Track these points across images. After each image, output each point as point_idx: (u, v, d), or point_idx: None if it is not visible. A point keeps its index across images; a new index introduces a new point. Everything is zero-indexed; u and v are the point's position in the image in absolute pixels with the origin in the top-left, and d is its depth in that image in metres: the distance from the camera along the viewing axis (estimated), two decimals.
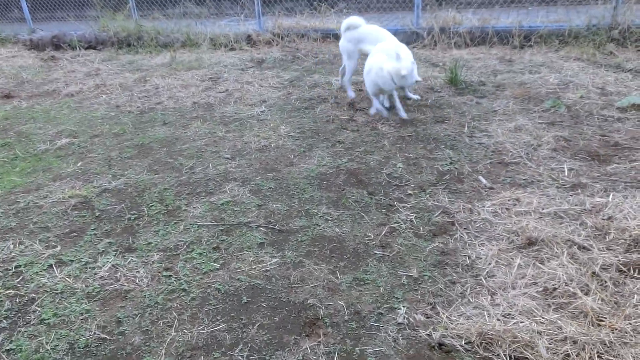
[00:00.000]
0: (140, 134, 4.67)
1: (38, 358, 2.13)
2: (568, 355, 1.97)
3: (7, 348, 2.19)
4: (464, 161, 3.68)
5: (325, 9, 8.43)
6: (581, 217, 2.84)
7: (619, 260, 2.45)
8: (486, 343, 2.07)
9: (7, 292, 2.56)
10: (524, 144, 3.86)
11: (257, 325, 2.26)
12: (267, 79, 6.14)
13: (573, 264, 2.47)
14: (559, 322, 2.13)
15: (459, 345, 2.08)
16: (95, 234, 3.05)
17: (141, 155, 4.18)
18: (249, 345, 2.15)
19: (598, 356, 1.95)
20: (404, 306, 2.31)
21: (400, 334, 2.16)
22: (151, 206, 3.33)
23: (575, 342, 2.02)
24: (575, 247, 2.60)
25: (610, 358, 1.94)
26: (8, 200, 3.52)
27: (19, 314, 2.41)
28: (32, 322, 2.34)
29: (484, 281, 2.44)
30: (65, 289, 2.56)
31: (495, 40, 6.92)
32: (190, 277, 2.60)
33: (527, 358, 1.98)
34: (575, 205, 2.97)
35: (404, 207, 3.15)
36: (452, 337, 2.12)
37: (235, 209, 3.23)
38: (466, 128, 4.25)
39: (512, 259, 2.57)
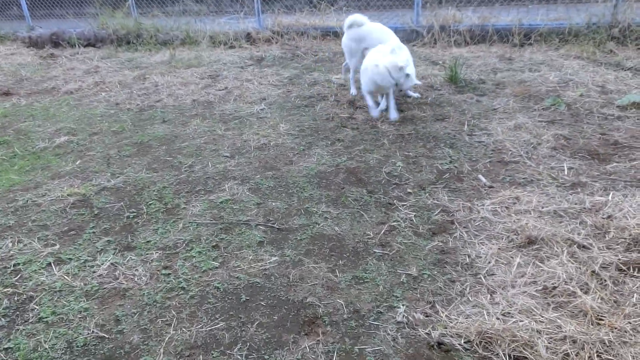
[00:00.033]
0: (139, 131, 4.66)
1: (36, 357, 2.13)
2: (567, 354, 1.96)
3: (6, 347, 2.19)
4: (464, 160, 3.67)
5: (325, 6, 8.41)
6: (581, 216, 2.84)
7: (619, 259, 2.45)
8: (485, 342, 2.06)
9: (6, 290, 2.55)
10: (524, 142, 3.86)
11: (256, 324, 2.26)
12: (266, 77, 6.13)
13: (573, 263, 2.46)
14: (559, 321, 2.12)
15: (458, 344, 2.08)
16: (94, 232, 3.04)
17: (140, 153, 4.17)
18: (248, 344, 2.15)
19: (597, 355, 1.95)
20: (403, 305, 2.31)
21: (399, 333, 2.16)
22: (150, 204, 3.32)
23: (574, 341, 2.01)
24: (575, 246, 2.59)
25: (610, 357, 1.94)
26: (7, 198, 3.51)
27: (17, 312, 2.40)
28: (30, 321, 2.34)
29: (484, 280, 2.44)
30: (63, 287, 2.55)
31: (495, 39, 6.91)
32: (189, 276, 2.59)
33: (526, 357, 1.98)
34: (575, 204, 2.97)
35: (403, 205, 3.14)
36: (451, 336, 2.11)
37: (235, 208, 3.22)
38: (466, 126, 4.24)
39: (512, 257, 2.57)
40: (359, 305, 2.33)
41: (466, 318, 2.20)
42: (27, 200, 3.45)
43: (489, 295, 2.33)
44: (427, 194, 3.25)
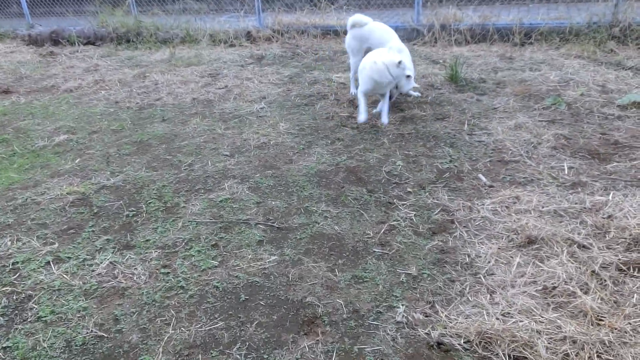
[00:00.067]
0: (139, 130, 4.65)
1: (35, 356, 2.12)
2: (567, 354, 1.96)
3: (4, 345, 2.18)
4: (464, 159, 3.67)
5: (325, 5, 8.40)
6: (581, 216, 2.83)
7: (619, 259, 2.44)
8: (485, 342, 2.06)
9: (4, 289, 2.55)
10: (524, 142, 3.85)
11: (255, 323, 2.25)
12: (266, 76, 6.12)
13: (573, 263, 2.46)
14: (559, 321, 2.12)
15: (458, 344, 2.07)
16: (93, 231, 3.03)
17: (140, 151, 4.16)
18: (247, 343, 2.14)
19: (597, 356, 1.94)
20: (402, 305, 2.30)
21: (399, 333, 2.15)
22: (149, 203, 3.31)
23: (574, 342, 2.01)
24: (575, 245, 2.59)
25: (610, 358, 1.93)
26: (6, 196, 3.50)
27: (16, 311, 2.39)
28: (29, 320, 2.33)
29: (483, 280, 2.43)
30: (62, 286, 2.55)
31: (495, 38, 6.90)
32: (189, 275, 2.59)
33: (526, 357, 1.97)
34: (575, 203, 2.96)
35: (403, 205, 3.14)
36: (451, 336, 2.11)
37: (234, 206, 3.22)
38: (466, 126, 4.24)
39: (512, 257, 2.56)
40: (358, 305, 2.32)
41: (466, 318, 2.19)
42: (27, 199, 3.44)
43: (489, 295, 2.32)
44: (427, 193, 3.24)
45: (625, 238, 2.59)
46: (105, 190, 3.53)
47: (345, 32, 7.58)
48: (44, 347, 2.16)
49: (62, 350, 2.15)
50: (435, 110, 4.64)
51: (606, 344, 1.98)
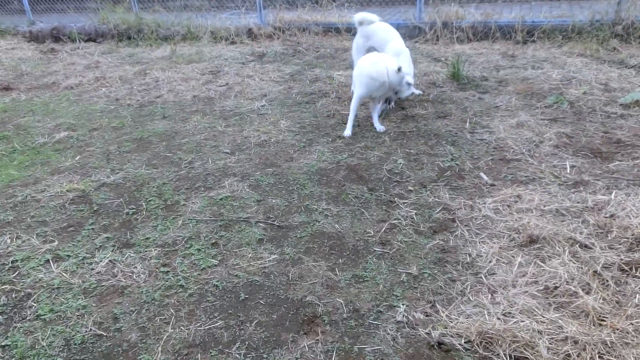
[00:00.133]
0: (139, 127, 4.64)
1: (34, 354, 2.12)
2: (569, 355, 1.95)
3: (3, 344, 2.17)
4: (465, 157, 3.65)
5: (327, 2, 8.37)
6: (583, 215, 2.81)
7: (621, 259, 2.43)
8: (486, 342, 2.05)
9: (3, 287, 2.54)
10: (526, 140, 3.83)
11: (254, 322, 2.24)
12: (267, 73, 6.10)
13: (574, 263, 2.44)
14: (560, 321, 2.10)
15: (459, 344, 2.06)
16: (92, 229, 3.02)
17: (140, 149, 4.15)
18: (247, 343, 2.13)
19: (599, 357, 1.93)
20: (403, 304, 2.29)
21: (399, 333, 2.14)
22: (150, 201, 3.30)
23: (576, 342, 1.99)
24: (577, 245, 2.57)
25: (612, 359, 1.92)
26: (6, 193, 3.49)
27: (15, 310, 2.39)
28: (28, 318, 2.32)
29: (484, 279, 2.42)
30: (61, 284, 2.54)
31: (498, 35, 6.87)
32: (188, 273, 2.58)
33: (527, 358, 1.96)
34: (577, 202, 2.94)
35: (404, 203, 3.12)
36: (451, 336, 2.10)
37: (234, 205, 3.20)
38: (468, 124, 4.22)
39: (513, 257, 2.55)
40: (358, 305, 2.31)
41: (467, 318, 2.18)
42: (26, 196, 3.43)
43: (490, 295, 2.31)
44: (428, 192, 3.23)
45: (627, 238, 2.57)
46: (105, 187, 3.52)
47: (346, 30, 7.61)
48: (43, 346, 2.15)
49: (61, 349, 2.14)
50: (437, 108, 4.62)
51: (608, 344, 1.97)
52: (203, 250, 2.76)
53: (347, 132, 4.16)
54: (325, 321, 2.22)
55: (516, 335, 2.04)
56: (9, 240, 2.93)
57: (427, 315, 2.23)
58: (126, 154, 4.05)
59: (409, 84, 4.12)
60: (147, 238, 2.90)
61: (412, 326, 2.17)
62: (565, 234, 2.65)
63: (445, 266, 2.54)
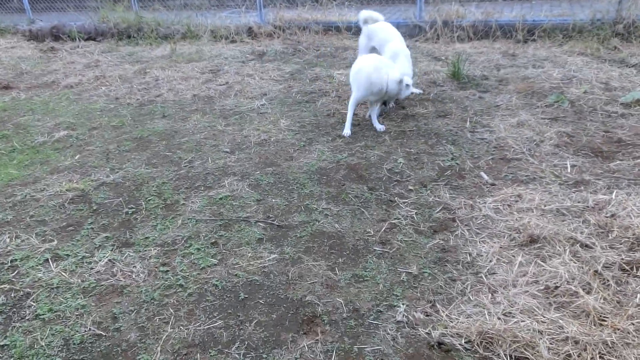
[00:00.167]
0: (139, 126, 4.63)
1: (32, 354, 2.11)
2: (569, 355, 1.94)
3: (2, 344, 2.17)
4: (466, 157, 3.64)
5: (327, 1, 8.36)
6: (584, 215, 2.81)
7: (622, 259, 2.42)
8: (486, 342, 2.04)
9: (2, 286, 2.53)
10: (527, 139, 3.82)
11: (254, 322, 2.24)
12: (267, 72, 6.09)
13: (575, 262, 2.43)
14: (561, 321, 2.09)
15: (459, 344, 2.05)
16: (92, 228, 3.02)
17: (140, 148, 4.14)
18: (246, 342, 2.12)
19: (600, 357, 1.92)
20: (403, 304, 2.28)
21: (399, 333, 2.13)
22: (149, 200, 3.29)
23: (576, 342, 1.99)
24: (578, 245, 2.56)
25: (613, 359, 1.91)
26: (5, 193, 3.49)
27: (14, 309, 2.38)
28: (27, 318, 2.32)
29: (485, 279, 2.41)
30: (60, 283, 2.53)
31: (498, 34, 6.86)
32: (188, 273, 2.57)
33: (527, 358, 1.95)
34: (578, 202, 2.93)
35: (404, 202, 3.11)
36: (451, 336, 2.09)
37: (234, 204, 3.20)
38: (468, 123, 4.21)
39: (514, 256, 2.54)
40: (358, 304, 2.30)
41: (467, 318, 2.17)
42: (26, 195, 3.42)
43: (490, 295, 2.30)
44: (429, 191, 3.22)
45: (628, 237, 2.56)
46: (104, 187, 3.51)
47: (347, 29, 7.60)
48: (42, 346, 2.15)
49: (59, 349, 2.13)
50: (437, 108, 4.61)
51: (609, 344, 1.96)
52: (202, 249, 2.75)
53: (346, 131, 4.15)
54: (325, 321, 2.22)
55: (516, 335, 2.03)
56: (8, 240, 2.92)
57: (427, 315, 2.22)
58: (126, 153, 4.04)
59: (407, 85, 4.10)
60: (146, 237, 2.89)
61: (412, 326, 2.17)
62: (565, 233, 2.64)
63: (446, 266, 2.53)
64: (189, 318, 2.28)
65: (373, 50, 4.96)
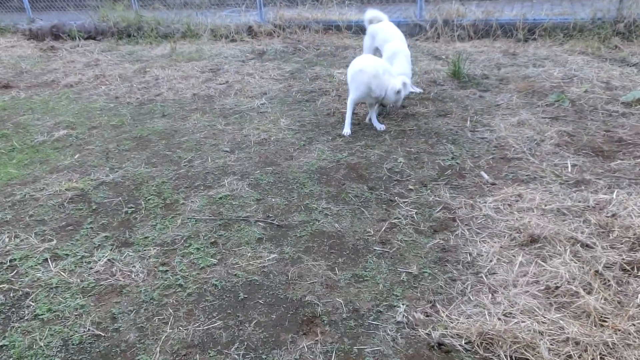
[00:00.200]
0: (138, 126, 4.62)
1: (31, 354, 2.10)
2: (570, 356, 1.93)
3: (0, 344, 2.16)
4: (466, 156, 3.63)
5: (327, 0, 8.33)
6: (584, 214, 2.80)
7: (623, 259, 2.41)
8: (486, 343, 2.03)
9: (1, 286, 2.53)
10: (527, 139, 3.81)
11: (253, 322, 2.23)
12: (267, 71, 6.08)
13: (576, 262, 2.42)
14: (561, 322, 2.09)
15: (459, 345, 2.04)
16: (91, 228, 3.01)
17: (139, 147, 4.13)
18: (245, 343, 2.12)
19: (601, 358, 1.91)
20: (403, 304, 2.28)
21: (399, 333, 2.13)
22: (149, 200, 3.29)
23: (577, 343, 1.98)
24: (578, 245, 2.55)
25: None
26: (4, 192, 3.48)
27: (13, 309, 2.37)
28: (26, 318, 2.31)
29: (485, 279, 2.40)
30: (60, 283, 2.53)
31: (499, 33, 6.84)
32: (187, 273, 2.56)
33: (528, 359, 1.94)
34: (579, 202, 2.92)
35: (404, 202, 3.10)
36: (451, 337, 2.08)
37: (234, 203, 3.19)
38: (469, 122, 4.19)
39: (514, 256, 2.53)
40: (358, 304, 2.30)
41: (467, 318, 2.17)
42: (25, 195, 3.42)
43: (491, 295, 2.29)
44: (429, 191, 3.21)
45: (629, 237, 2.55)
46: (104, 186, 3.50)
47: (347, 27, 7.58)
48: (41, 346, 2.14)
49: (58, 349, 2.13)
50: (438, 107, 4.60)
51: (610, 345, 1.96)
52: (202, 249, 2.75)
53: (346, 130, 4.14)
54: (325, 321, 2.21)
55: (517, 336, 2.02)
56: (7, 239, 2.91)
57: (427, 316, 2.21)
58: (125, 153, 4.04)
59: (404, 86, 4.09)
60: (146, 237, 2.89)
61: (412, 326, 2.16)
62: (566, 233, 2.63)
63: (446, 266, 2.53)
64: (188, 318, 2.27)
65: (377, 50, 4.96)
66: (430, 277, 2.45)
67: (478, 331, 2.06)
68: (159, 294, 2.42)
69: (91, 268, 2.63)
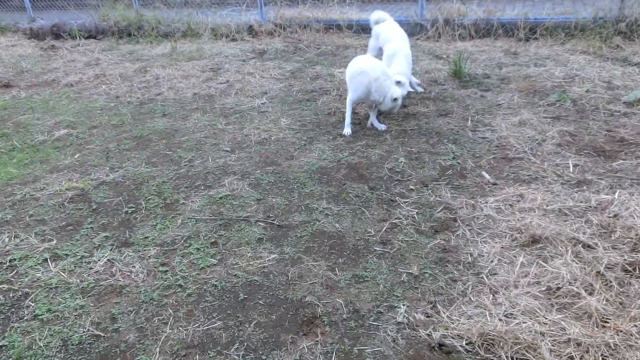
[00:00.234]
0: (139, 125, 4.61)
1: (31, 355, 2.10)
2: (572, 357, 1.92)
3: (0, 344, 2.16)
4: (467, 156, 3.62)
5: None
6: (586, 215, 2.79)
7: (625, 260, 2.40)
8: (487, 344, 2.02)
9: (1, 286, 2.52)
10: (529, 138, 3.80)
11: (253, 323, 2.22)
12: (268, 70, 6.07)
13: (577, 263, 2.41)
14: (563, 323, 2.08)
15: (460, 346, 2.03)
16: (91, 228, 3.00)
17: (140, 147, 4.12)
18: (245, 344, 2.11)
19: (602, 359, 1.90)
20: (403, 305, 2.27)
21: (399, 334, 2.12)
22: (149, 199, 3.28)
23: (579, 344, 1.97)
24: (580, 245, 2.54)
25: None
26: (4, 192, 3.48)
27: (13, 309, 2.37)
28: (25, 318, 2.31)
29: (486, 279, 2.39)
30: (59, 283, 2.52)
31: (500, 33, 6.82)
32: (187, 273, 2.56)
33: None
34: (580, 202, 2.91)
35: (405, 202, 3.10)
36: (452, 338, 2.07)
37: (234, 203, 3.18)
38: (470, 122, 4.18)
39: (515, 257, 2.52)
40: (358, 305, 2.29)
41: (468, 319, 2.16)
42: (25, 195, 3.41)
43: (492, 296, 2.29)
44: (430, 191, 3.20)
45: (631, 238, 2.54)
46: (104, 186, 3.49)
47: (347, 27, 7.57)
48: (40, 346, 2.14)
49: (58, 350, 2.12)
50: (439, 106, 4.58)
51: (611, 346, 1.95)
52: (202, 249, 2.74)
53: (347, 130, 4.13)
54: (325, 322, 2.20)
55: (518, 336, 2.01)
56: (7, 239, 2.91)
57: (427, 316, 2.20)
58: (126, 152, 4.03)
59: (398, 82, 4.08)
60: (146, 237, 2.88)
61: (412, 327, 2.15)
62: (568, 233, 2.62)
63: (447, 266, 2.52)
64: (188, 319, 2.26)
65: (381, 50, 4.94)
66: (431, 278, 2.44)
67: (479, 332, 2.05)
68: (158, 295, 2.41)
69: (91, 268, 2.63)
